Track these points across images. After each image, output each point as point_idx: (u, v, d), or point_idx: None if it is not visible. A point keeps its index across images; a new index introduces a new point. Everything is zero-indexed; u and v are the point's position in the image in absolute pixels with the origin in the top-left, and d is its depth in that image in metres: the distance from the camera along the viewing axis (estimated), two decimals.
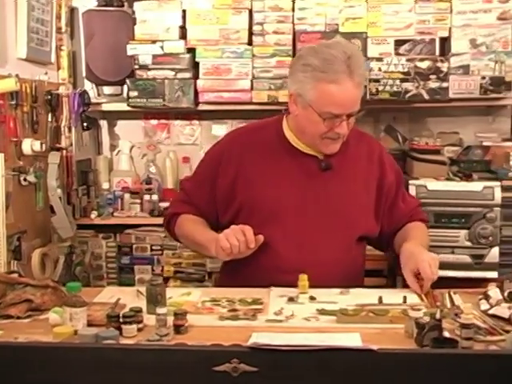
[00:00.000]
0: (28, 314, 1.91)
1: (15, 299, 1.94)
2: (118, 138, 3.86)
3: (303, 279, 2.08)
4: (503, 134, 3.46)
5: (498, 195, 3.02)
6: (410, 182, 3.04)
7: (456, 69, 3.23)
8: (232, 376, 1.41)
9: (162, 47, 3.36)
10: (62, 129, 3.23)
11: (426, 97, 3.24)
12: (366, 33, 3.26)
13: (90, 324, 1.78)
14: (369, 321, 1.82)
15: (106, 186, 3.61)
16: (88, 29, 3.45)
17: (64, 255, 3.11)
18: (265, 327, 1.79)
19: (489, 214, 3.02)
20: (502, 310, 1.84)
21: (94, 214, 3.45)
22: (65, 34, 3.45)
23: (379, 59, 3.22)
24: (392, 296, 2.02)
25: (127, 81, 3.38)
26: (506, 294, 1.96)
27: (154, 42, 3.36)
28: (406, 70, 3.23)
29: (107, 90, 3.52)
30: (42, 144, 2.89)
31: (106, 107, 3.54)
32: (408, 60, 3.24)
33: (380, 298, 1.98)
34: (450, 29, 3.24)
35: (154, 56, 3.36)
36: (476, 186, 3.04)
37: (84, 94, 3.35)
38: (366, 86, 3.10)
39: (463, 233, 3.04)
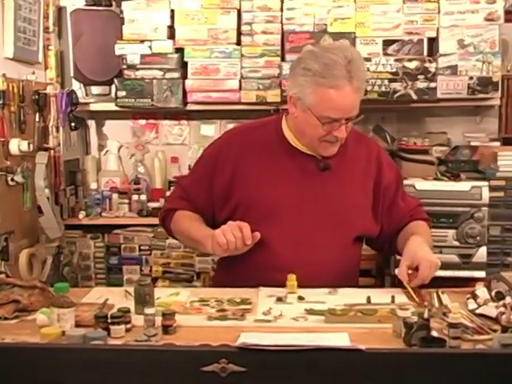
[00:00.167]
0: (15, 315, 1.90)
1: (2, 300, 1.92)
2: (106, 137, 3.85)
3: (292, 279, 2.08)
4: (491, 134, 3.47)
5: (486, 195, 3.04)
6: None
7: (444, 69, 3.24)
8: (220, 376, 1.41)
9: (150, 47, 3.36)
10: (50, 129, 3.23)
11: (414, 97, 3.25)
12: (355, 33, 3.27)
13: (77, 325, 1.78)
14: (357, 320, 1.82)
15: (94, 186, 3.60)
16: (76, 28, 3.44)
17: (52, 255, 3.11)
18: (253, 327, 1.79)
19: (476, 213, 3.03)
20: (490, 310, 1.85)
21: (82, 214, 3.44)
22: (52, 34, 3.44)
23: (367, 59, 3.23)
24: (380, 296, 2.02)
25: (115, 81, 3.37)
26: (493, 293, 1.97)
27: (142, 41, 3.35)
28: (394, 70, 3.24)
29: (95, 89, 3.51)
30: (29, 144, 2.88)
31: (94, 107, 3.53)
32: (396, 60, 3.25)
33: (368, 298, 1.98)
34: (437, 29, 3.26)
35: (143, 56, 3.36)
36: (464, 185, 3.05)
37: (72, 93, 3.34)
38: None
39: (451, 232, 3.05)
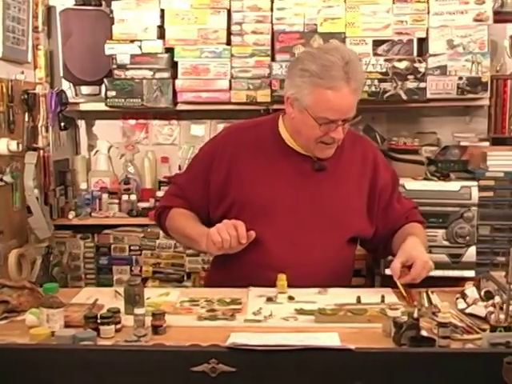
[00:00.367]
0: (4, 316, 1.89)
1: None
2: (96, 137, 3.83)
3: (282, 279, 2.09)
4: (480, 134, 3.48)
5: (475, 195, 3.05)
6: None
7: (433, 69, 3.25)
8: (210, 376, 1.41)
9: (140, 47, 3.35)
10: (39, 128, 3.21)
11: (404, 97, 3.26)
12: (345, 33, 3.27)
13: (67, 325, 1.77)
14: (347, 320, 1.83)
15: (83, 186, 3.59)
16: (65, 28, 3.43)
17: (41, 256, 3.09)
18: (243, 327, 1.79)
19: (466, 213, 3.04)
20: (479, 309, 1.85)
21: (71, 215, 3.43)
22: (42, 33, 3.42)
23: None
24: (370, 295, 2.03)
25: (105, 80, 3.37)
26: (482, 292, 1.98)
27: (132, 41, 3.34)
28: (384, 70, 3.25)
29: (85, 89, 3.50)
30: (18, 144, 2.86)
31: (83, 107, 3.52)
32: (386, 60, 3.26)
33: (358, 298, 1.99)
34: (427, 29, 3.27)
35: (132, 56, 3.35)
36: (453, 185, 3.06)
37: (61, 93, 3.33)
38: None
39: (441, 232, 3.06)
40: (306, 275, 2.13)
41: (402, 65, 3.25)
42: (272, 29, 3.31)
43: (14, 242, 2.95)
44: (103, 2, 3.46)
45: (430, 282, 2.12)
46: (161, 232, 3.41)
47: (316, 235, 2.22)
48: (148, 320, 1.76)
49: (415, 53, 3.29)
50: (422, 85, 3.24)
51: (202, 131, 3.77)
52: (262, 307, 1.96)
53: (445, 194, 3.05)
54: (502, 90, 3.39)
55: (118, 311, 1.79)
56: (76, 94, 3.52)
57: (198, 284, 3.42)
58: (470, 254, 3.07)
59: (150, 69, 3.35)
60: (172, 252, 3.48)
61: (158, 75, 3.35)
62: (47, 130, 3.28)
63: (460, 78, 3.23)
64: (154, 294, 2.09)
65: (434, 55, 3.25)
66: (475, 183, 3.07)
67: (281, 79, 3.23)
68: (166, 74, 3.36)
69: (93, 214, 3.48)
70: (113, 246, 3.52)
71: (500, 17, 3.40)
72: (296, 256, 2.18)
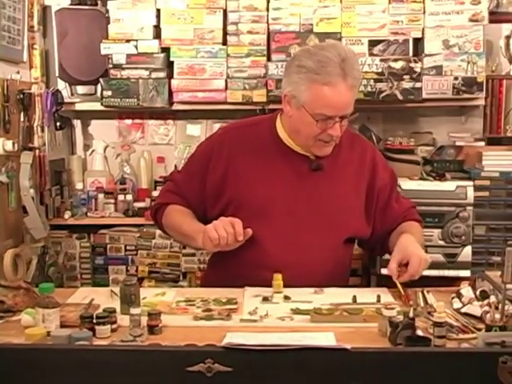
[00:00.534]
0: (0, 316, 1.89)
1: None
2: (92, 137, 3.83)
3: (278, 278, 2.09)
4: (475, 134, 3.49)
5: (471, 194, 3.05)
6: None
7: (429, 69, 3.25)
8: (206, 376, 1.41)
9: (136, 46, 3.34)
10: (35, 128, 3.20)
11: (400, 97, 3.26)
12: (340, 33, 3.27)
13: (63, 325, 1.77)
14: (343, 320, 1.83)
15: (79, 186, 3.58)
16: (61, 27, 3.42)
17: (37, 256, 3.09)
18: (239, 327, 1.79)
19: (462, 213, 3.05)
20: (474, 309, 1.86)
21: (67, 215, 3.43)
22: (37, 33, 3.42)
23: None
24: (366, 295, 2.03)
25: (101, 80, 3.36)
26: (477, 292, 1.98)
27: (128, 41, 3.34)
28: (379, 70, 3.26)
29: (81, 89, 3.49)
30: (14, 143, 2.85)
31: (79, 107, 3.52)
32: (382, 60, 3.26)
33: (354, 297, 1.99)
34: (423, 29, 3.27)
35: (128, 55, 3.34)
36: (449, 185, 3.07)
37: (57, 93, 3.32)
38: None
39: (436, 232, 3.06)
40: (302, 275, 2.13)
41: (398, 65, 3.25)
42: (268, 29, 3.31)
43: (10, 242, 2.95)
44: (99, 2, 3.45)
45: (426, 282, 2.13)
46: (157, 232, 3.42)
47: (313, 235, 2.22)
48: (144, 320, 1.76)
49: (411, 53, 3.29)
50: (418, 85, 3.25)
51: (198, 131, 3.77)
52: (257, 307, 1.96)
53: (440, 194, 3.06)
54: (497, 90, 3.40)
55: (114, 311, 1.79)
56: (72, 94, 3.51)
57: (194, 284, 3.42)
58: (466, 253, 3.08)
59: (146, 68, 3.35)
60: (168, 252, 3.48)
61: (153, 75, 3.35)
62: (43, 130, 3.27)
63: (456, 78, 3.24)
64: (149, 294, 2.09)
65: (430, 55, 3.26)
66: (471, 183, 3.07)
67: (277, 79, 3.23)
68: (161, 74, 3.35)
69: (89, 214, 3.48)
70: (109, 246, 3.52)
71: (495, 17, 3.41)
72: (293, 256, 2.18)
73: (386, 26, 3.28)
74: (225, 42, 3.34)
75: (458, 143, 3.44)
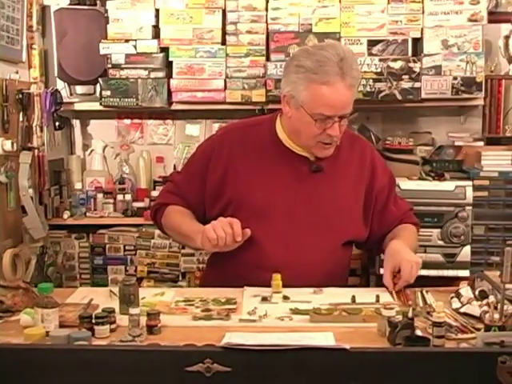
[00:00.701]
0: None
1: None
2: (91, 137, 3.83)
3: (277, 278, 2.08)
4: (474, 134, 3.49)
5: (470, 194, 3.05)
6: None
7: (428, 69, 3.26)
8: (205, 376, 1.41)
9: (135, 46, 3.34)
10: (34, 128, 3.20)
11: (399, 97, 3.27)
12: (339, 33, 3.28)
13: (62, 325, 1.77)
14: (342, 320, 1.83)
15: (78, 185, 3.58)
16: (60, 27, 3.42)
17: (36, 256, 3.08)
18: (238, 327, 1.79)
19: (461, 213, 3.05)
20: (473, 309, 1.86)
21: (66, 214, 3.43)
22: (36, 33, 3.41)
23: None
24: (365, 295, 2.03)
25: (100, 80, 3.36)
26: (476, 292, 1.98)
27: (126, 41, 3.34)
28: (378, 70, 3.26)
29: (80, 89, 3.49)
30: (13, 143, 2.85)
31: (78, 106, 3.52)
32: (381, 60, 3.26)
33: (353, 297, 1.99)
34: (422, 29, 3.27)
35: (127, 55, 3.34)
36: (448, 185, 3.07)
37: (56, 93, 3.32)
38: None
39: (435, 232, 3.07)
40: (301, 276, 2.13)
41: (397, 65, 3.25)
42: (267, 29, 3.31)
43: (9, 242, 2.95)
44: (98, 2, 3.45)
45: (425, 282, 2.13)
46: (156, 232, 3.42)
47: (312, 236, 2.22)
48: (143, 320, 1.76)
49: (410, 53, 3.29)
50: (417, 85, 3.25)
51: (197, 131, 3.77)
52: (256, 307, 1.95)
53: (439, 194, 3.06)
54: (496, 90, 3.40)
55: (113, 311, 1.79)
56: (71, 94, 3.51)
57: (193, 284, 3.42)
58: (465, 253, 3.08)
59: (145, 68, 3.35)
60: (167, 252, 3.48)
61: (152, 75, 3.35)
62: (42, 130, 3.26)
63: (455, 78, 3.24)
64: (148, 294, 2.09)
65: (429, 55, 3.26)
66: (470, 183, 3.07)
67: (276, 79, 3.23)
68: (160, 74, 3.35)
69: (87, 214, 3.48)
70: (108, 246, 3.52)
71: (494, 17, 3.41)
72: (291, 257, 2.18)
73: (384, 26, 3.28)
74: (224, 42, 3.34)
75: (457, 143, 3.44)
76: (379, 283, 2.16)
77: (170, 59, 3.36)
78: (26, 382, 1.46)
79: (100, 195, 3.53)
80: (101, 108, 3.43)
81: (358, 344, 1.52)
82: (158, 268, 3.49)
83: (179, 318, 1.89)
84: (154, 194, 3.41)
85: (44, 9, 3.48)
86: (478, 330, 1.73)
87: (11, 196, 2.97)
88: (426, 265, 2.95)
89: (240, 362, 1.42)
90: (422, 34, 3.28)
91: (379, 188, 2.32)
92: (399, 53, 3.28)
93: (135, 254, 3.51)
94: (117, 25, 3.35)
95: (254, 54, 3.32)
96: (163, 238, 3.41)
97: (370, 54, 3.28)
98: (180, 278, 3.50)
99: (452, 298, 1.99)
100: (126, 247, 3.52)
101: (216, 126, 3.69)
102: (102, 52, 3.33)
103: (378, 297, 1.98)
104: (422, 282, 2.12)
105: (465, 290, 2.00)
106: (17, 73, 3.08)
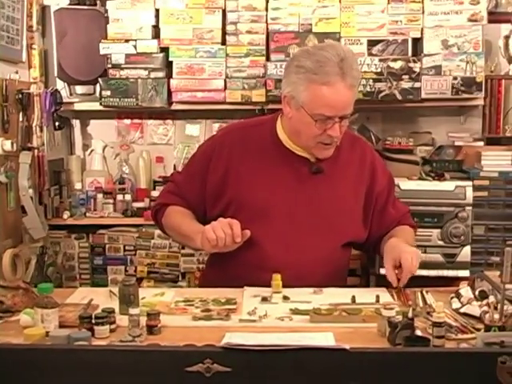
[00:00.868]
0: None
1: None
2: (91, 137, 3.83)
3: (277, 279, 2.08)
4: (474, 134, 3.49)
5: (470, 194, 3.05)
6: None
7: (428, 69, 3.25)
8: (205, 376, 1.41)
9: (135, 46, 3.34)
10: (34, 128, 3.19)
11: (399, 97, 3.26)
12: (339, 33, 3.27)
13: (62, 325, 1.77)
14: (342, 320, 1.83)
15: (78, 186, 3.58)
16: (60, 27, 3.42)
17: (36, 256, 3.08)
18: (238, 327, 1.79)
19: (461, 213, 3.05)
20: (473, 309, 1.86)
21: (66, 215, 3.43)
22: (36, 33, 3.41)
23: None
24: (365, 295, 2.03)
25: (100, 80, 3.36)
26: (476, 292, 1.98)
27: (126, 41, 3.34)
28: (378, 70, 3.26)
29: (79, 89, 3.49)
30: (12, 143, 2.85)
31: (78, 106, 3.51)
32: (381, 60, 3.26)
33: (353, 298, 1.99)
34: (422, 29, 3.27)
35: (127, 55, 3.34)
36: (448, 185, 3.06)
37: (56, 93, 3.32)
38: None
39: (435, 232, 3.06)
40: (301, 276, 2.13)
41: (397, 65, 3.25)
42: (267, 29, 3.31)
43: (9, 242, 2.95)
44: (98, 2, 3.45)
45: (425, 282, 2.13)
46: (156, 232, 3.42)
47: (312, 237, 2.22)
48: (143, 320, 1.76)
49: (410, 53, 3.29)
50: (417, 85, 3.25)
51: (197, 131, 3.77)
52: (256, 307, 1.96)
53: (439, 194, 3.06)
54: (496, 90, 3.40)
55: (113, 311, 1.79)
56: (71, 94, 3.51)
57: (193, 284, 3.42)
58: (465, 253, 3.07)
59: (145, 68, 3.35)
60: (167, 252, 3.48)
61: (152, 75, 3.35)
62: (42, 130, 3.26)
63: (455, 78, 3.24)
64: (148, 294, 2.09)
65: (429, 55, 3.26)
66: (470, 183, 3.07)
67: (276, 79, 3.23)
68: (160, 74, 3.35)
69: (87, 214, 3.48)
70: (107, 246, 3.51)
71: (494, 17, 3.41)
72: (291, 257, 2.18)
73: (384, 26, 3.28)
74: (224, 42, 3.34)
75: (457, 143, 3.44)
76: (379, 283, 2.16)
77: (170, 59, 3.36)
78: (25, 382, 1.46)
79: (100, 195, 3.53)
80: (101, 108, 3.43)
81: (357, 344, 1.52)
82: (158, 268, 3.49)
83: (179, 318, 1.89)
84: (154, 194, 3.40)
85: (44, 9, 3.48)
86: (478, 330, 1.73)
87: (11, 196, 2.97)
88: (426, 265, 2.96)
89: (240, 362, 1.42)
90: (422, 34, 3.27)
91: (379, 190, 2.33)
92: (399, 53, 3.28)
93: (135, 254, 3.51)
94: (117, 25, 3.35)
95: (253, 53, 3.32)
96: (163, 238, 3.41)
97: (370, 54, 3.28)
98: (180, 278, 3.50)
99: (452, 298, 1.99)
100: (126, 247, 3.51)
101: (216, 126, 3.69)
102: (101, 52, 3.33)
103: (377, 297, 1.99)
104: (422, 282, 2.11)
105: (465, 291, 2.00)
106: (17, 73, 3.08)
